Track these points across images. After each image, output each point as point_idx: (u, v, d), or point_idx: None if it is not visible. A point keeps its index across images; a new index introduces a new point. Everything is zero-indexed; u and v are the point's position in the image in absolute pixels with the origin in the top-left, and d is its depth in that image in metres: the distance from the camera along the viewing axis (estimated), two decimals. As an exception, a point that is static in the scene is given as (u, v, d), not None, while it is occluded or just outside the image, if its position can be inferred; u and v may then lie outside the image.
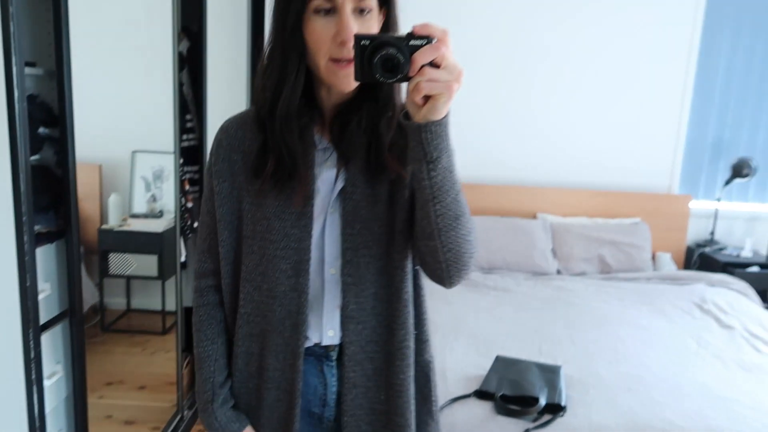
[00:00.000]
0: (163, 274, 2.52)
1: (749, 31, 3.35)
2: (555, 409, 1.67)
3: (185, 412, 2.41)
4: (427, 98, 0.74)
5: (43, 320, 1.40)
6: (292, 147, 0.88)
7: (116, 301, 2.62)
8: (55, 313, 1.54)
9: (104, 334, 2.59)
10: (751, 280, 3.01)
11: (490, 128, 3.40)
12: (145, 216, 2.48)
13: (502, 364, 1.88)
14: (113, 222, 2.39)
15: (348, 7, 0.81)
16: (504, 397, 1.69)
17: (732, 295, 2.77)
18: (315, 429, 1.01)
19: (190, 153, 2.52)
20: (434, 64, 0.73)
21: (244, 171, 0.93)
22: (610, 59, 3.32)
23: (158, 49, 2.24)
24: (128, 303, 2.66)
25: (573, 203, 3.36)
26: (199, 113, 2.46)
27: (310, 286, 0.94)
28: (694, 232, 3.50)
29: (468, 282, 2.85)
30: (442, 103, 0.74)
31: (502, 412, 1.65)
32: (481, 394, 1.74)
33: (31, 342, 1.26)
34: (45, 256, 1.46)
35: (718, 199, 3.40)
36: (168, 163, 2.42)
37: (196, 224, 2.58)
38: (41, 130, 1.53)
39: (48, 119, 1.54)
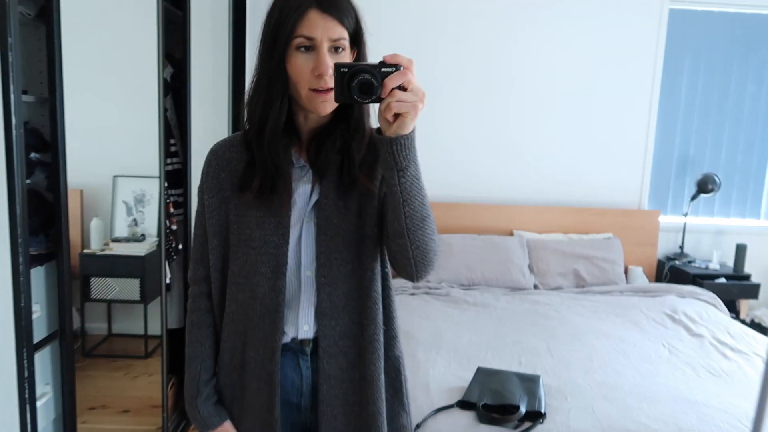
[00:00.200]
0: (146, 297, 2.53)
1: (708, 55, 3.54)
2: (535, 416, 1.73)
3: (170, 435, 2.41)
4: (396, 116, 0.88)
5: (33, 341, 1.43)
6: (278, 163, 1.00)
7: (97, 326, 2.61)
8: (44, 334, 1.56)
9: (85, 359, 2.58)
10: (718, 291, 3.14)
11: (468, 150, 3.51)
12: (127, 240, 2.49)
13: (483, 375, 1.94)
14: (95, 246, 2.40)
15: (325, 46, 0.95)
16: (486, 406, 1.75)
17: (701, 306, 2.88)
18: (294, 417, 1.11)
19: (174, 176, 2.55)
20: (402, 88, 0.86)
21: (231, 187, 1.06)
22: (581, 84, 3.47)
23: (139, 75, 2.29)
24: (109, 327, 2.65)
25: (548, 220, 3.47)
26: (183, 137, 2.51)
27: (287, 287, 1.05)
28: (664, 246, 3.63)
29: (448, 298, 2.91)
30: (410, 119, 0.88)
31: (485, 421, 1.71)
32: (463, 404, 1.79)
33: (25, 361, 1.29)
34: (35, 279, 1.49)
35: (686, 214, 3.54)
36: (149, 188, 2.45)
37: (180, 246, 2.61)
38: (32, 155, 1.57)
39: (39, 145, 1.59)
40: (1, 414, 1.29)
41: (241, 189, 1.04)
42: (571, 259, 3.25)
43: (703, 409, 1.83)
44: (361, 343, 1.07)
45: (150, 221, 2.50)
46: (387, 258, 1.09)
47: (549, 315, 2.70)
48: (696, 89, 3.57)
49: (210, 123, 2.78)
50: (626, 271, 3.39)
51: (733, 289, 3.26)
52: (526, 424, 1.70)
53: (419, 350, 2.24)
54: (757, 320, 3.36)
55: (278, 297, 1.03)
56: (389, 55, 0.88)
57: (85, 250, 2.35)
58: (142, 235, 2.50)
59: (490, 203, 3.51)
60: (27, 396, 1.31)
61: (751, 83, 3.56)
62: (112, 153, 2.42)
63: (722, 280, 3.29)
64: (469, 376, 1.97)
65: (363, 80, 0.87)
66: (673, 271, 3.45)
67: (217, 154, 1.08)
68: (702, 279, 3.27)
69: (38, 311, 1.50)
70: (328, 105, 0.97)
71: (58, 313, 1.55)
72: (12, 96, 1.20)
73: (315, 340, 1.07)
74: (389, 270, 1.12)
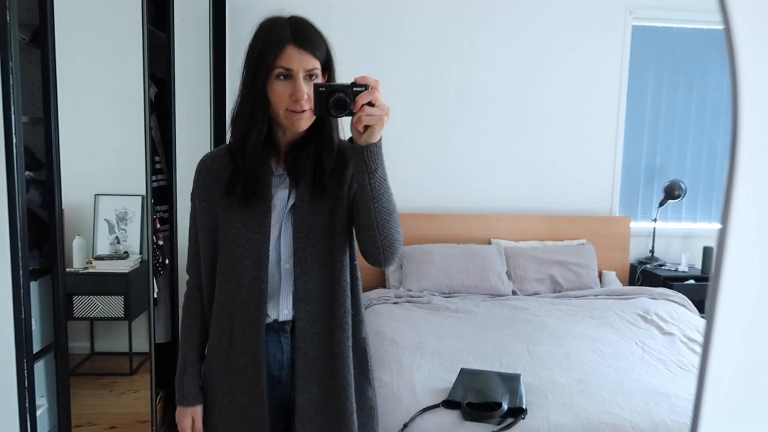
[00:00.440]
0: (130, 314, 2.55)
1: (670, 68, 3.72)
2: (517, 412, 1.82)
3: (160, 448, 2.43)
4: (366, 128, 1.05)
5: (31, 354, 1.46)
6: (258, 174, 1.18)
7: (80, 345, 2.62)
8: (38, 348, 1.60)
9: (69, 378, 2.59)
10: (688, 292, 3.27)
11: (446, 164, 3.62)
12: (110, 257, 2.51)
13: (466, 376, 2.02)
14: (78, 265, 2.42)
15: (300, 75, 1.13)
16: (470, 404, 1.82)
17: (672, 306, 3.01)
18: (276, 390, 1.26)
19: (159, 193, 2.60)
20: (370, 104, 1.04)
21: (218, 192, 1.23)
22: (552, 99, 3.62)
23: (122, 95, 2.34)
24: (92, 346, 2.66)
25: (524, 228, 3.59)
26: (168, 155, 2.56)
27: (269, 277, 1.21)
28: (636, 251, 3.77)
29: (430, 306, 2.99)
30: (377, 130, 1.06)
31: (469, 418, 1.78)
32: (448, 403, 1.86)
33: (25, 371, 1.33)
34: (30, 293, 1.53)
35: (655, 220, 3.69)
36: (132, 205, 2.49)
37: (167, 261, 2.65)
38: (26, 173, 1.62)
39: (32, 163, 1.64)
40: (2, 423, 1.33)
41: (227, 194, 1.20)
42: (547, 265, 3.36)
43: (674, 400, 1.94)
44: (332, 325, 1.24)
45: (133, 239, 2.53)
46: (355, 252, 1.27)
47: (527, 319, 2.79)
48: (660, 100, 3.75)
49: (193, 140, 2.83)
50: (600, 276, 3.51)
51: (701, 289, 3.40)
52: (509, 420, 1.78)
53: (404, 355, 2.31)
54: (725, 319, 3.50)
55: (261, 285, 1.20)
56: (359, 77, 1.05)
57: (68, 269, 2.37)
58: (125, 252, 2.53)
59: (469, 213, 3.61)
60: (27, 405, 1.35)
61: (711, 93, 3.74)
62: (93, 172, 2.45)
63: (691, 281, 3.44)
64: (453, 378, 2.04)
65: (338, 98, 1.04)
66: (644, 275, 3.59)
67: (206, 164, 1.26)
68: (672, 281, 3.41)
69: (33, 324, 1.54)
70: (304, 123, 1.15)
71: (53, 326, 1.59)
72: (13, 117, 1.26)
73: (293, 322, 1.23)
74: (357, 262, 1.29)
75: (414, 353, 2.34)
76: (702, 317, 3.01)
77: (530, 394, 1.96)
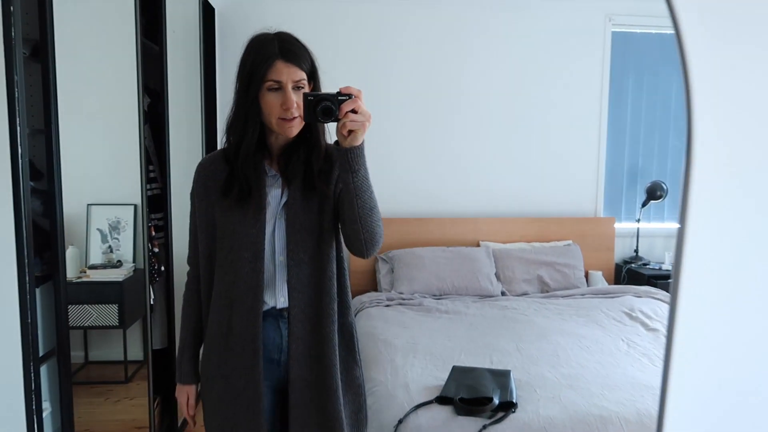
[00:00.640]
0: (125, 322, 2.58)
1: (649, 72, 3.83)
2: (507, 406, 1.88)
3: (159, 453, 2.46)
4: (350, 132, 1.17)
5: (35, 358, 1.50)
6: (250, 176, 1.29)
7: (74, 354, 2.63)
8: (41, 353, 1.64)
9: (71, 382, 2.60)
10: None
11: (433, 169, 3.70)
12: (104, 266, 2.54)
13: (458, 373, 2.08)
14: (71, 274, 2.44)
15: (289, 86, 1.25)
16: (462, 400, 1.88)
17: (656, 304, 3.10)
18: (273, 371, 1.37)
19: (154, 201, 2.64)
20: (354, 111, 1.16)
21: (216, 193, 1.33)
22: (535, 104, 3.71)
23: (115, 106, 2.37)
24: (86, 355, 2.67)
25: (511, 230, 3.67)
26: (161, 164, 2.61)
27: (265, 268, 1.32)
28: (621, 251, 3.86)
29: (421, 308, 3.05)
30: (360, 134, 1.18)
31: (462, 413, 1.85)
32: (441, 399, 1.93)
33: (32, 374, 1.37)
34: (33, 299, 1.57)
35: (638, 220, 3.79)
36: (124, 215, 2.52)
37: (163, 268, 2.69)
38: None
39: (33, 173, 1.68)
40: (9, 425, 1.37)
41: (224, 195, 1.31)
42: (535, 266, 3.44)
43: (658, 392, 2.00)
44: (319, 311, 1.35)
45: (126, 247, 2.56)
46: (342, 245, 1.39)
47: (516, 318, 2.86)
48: (641, 103, 3.85)
49: (185, 149, 2.88)
50: (587, 276, 3.60)
51: (684, 287, 3.48)
52: (500, 414, 1.85)
53: (397, 356, 2.36)
54: (708, 316, 3.59)
55: (258, 276, 1.31)
56: (344, 87, 1.18)
57: (62, 279, 2.40)
58: (119, 261, 2.57)
59: (457, 217, 3.69)
60: (34, 407, 1.39)
61: (689, 97, 3.85)
62: (86, 182, 2.48)
63: (674, 279, 3.53)
64: (445, 376, 2.10)
65: (325, 106, 1.16)
66: (629, 274, 3.68)
67: (203, 167, 1.38)
68: (656, 279, 3.50)
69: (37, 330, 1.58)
70: (294, 129, 1.27)
71: (55, 332, 1.63)
72: (18, 128, 1.31)
73: (289, 309, 1.34)
74: (344, 254, 1.41)
75: (407, 353, 2.40)
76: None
77: (520, 389, 2.03)
